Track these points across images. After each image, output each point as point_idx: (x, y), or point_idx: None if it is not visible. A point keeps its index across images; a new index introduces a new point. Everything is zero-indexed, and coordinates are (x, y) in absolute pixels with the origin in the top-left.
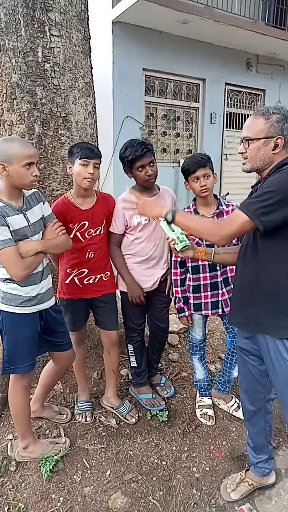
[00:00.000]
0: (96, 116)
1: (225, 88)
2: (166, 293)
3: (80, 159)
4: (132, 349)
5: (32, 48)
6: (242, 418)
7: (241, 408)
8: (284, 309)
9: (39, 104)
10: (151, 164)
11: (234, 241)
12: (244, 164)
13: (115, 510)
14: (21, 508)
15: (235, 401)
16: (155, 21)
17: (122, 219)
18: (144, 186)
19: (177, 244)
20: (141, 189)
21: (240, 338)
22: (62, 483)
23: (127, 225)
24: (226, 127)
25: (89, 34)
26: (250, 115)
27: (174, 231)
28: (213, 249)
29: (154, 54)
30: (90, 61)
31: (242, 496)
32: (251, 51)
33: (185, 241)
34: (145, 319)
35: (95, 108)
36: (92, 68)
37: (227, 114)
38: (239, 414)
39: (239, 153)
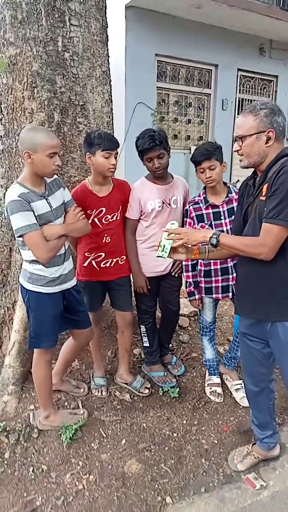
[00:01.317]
0: (112, 104)
1: (237, 74)
2: (175, 273)
3: (102, 150)
4: (145, 330)
5: (53, 37)
6: (238, 401)
7: (240, 391)
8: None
9: (58, 92)
10: (160, 156)
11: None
12: (241, 161)
13: (130, 474)
14: (44, 470)
15: (240, 381)
16: (169, 6)
17: (138, 205)
18: (155, 175)
19: (159, 251)
20: (154, 178)
21: (244, 324)
22: (81, 449)
23: (142, 211)
24: (238, 114)
25: (107, 23)
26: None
27: (167, 238)
28: (206, 247)
29: (166, 39)
30: (107, 50)
31: (248, 467)
32: (265, 36)
33: (165, 253)
34: (157, 302)
35: (111, 96)
36: (109, 56)
37: (239, 101)
38: (238, 396)
39: (235, 151)
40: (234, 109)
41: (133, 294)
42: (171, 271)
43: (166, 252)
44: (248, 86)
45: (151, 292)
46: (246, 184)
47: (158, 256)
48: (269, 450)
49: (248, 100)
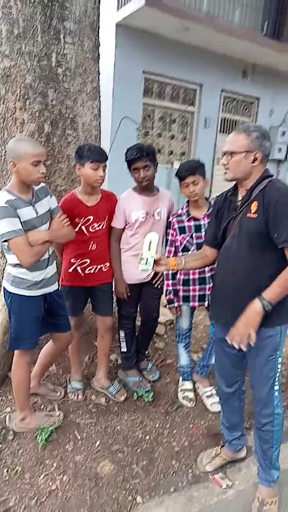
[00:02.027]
0: (100, 119)
1: (221, 94)
2: (156, 285)
3: (91, 162)
4: (124, 335)
5: (47, 53)
6: (208, 407)
7: (210, 398)
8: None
9: (49, 105)
10: (146, 168)
11: (192, 248)
12: (225, 173)
13: (103, 475)
14: (18, 471)
15: (211, 388)
16: (158, 27)
17: (123, 215)
18: (141, 186)
19: (142, 264)
20: (140, 189)
21: (221, 331)
22: (56, 451)
23: (126, 221)
24: (220, 132)
25: (99, 42)
26: (244, 121)
27: (150, 250)
28: (182, 258)
29: (154, 57)
30: (98, 67)
31: (216, 468)
32: (248, 60)
33: (149, 265)
34: (137, 308)
35: (100, 111)
36: (99, 73)
37: (221, 120)
38: (208, 402)
39: (223, 164)
40: (217, 127)
41: (114, 300)
42: (153, 282)
43: (149, 265)
44: (230, 106)
45: (132, 298)
46: (225, 199)
47: (142, 270)
48: (236, 451)
49: (230, 120)
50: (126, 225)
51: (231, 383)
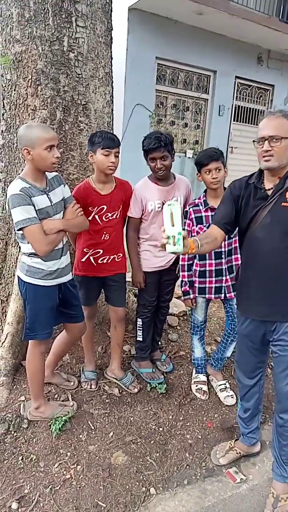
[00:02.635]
0: (113, 105)
1: (235, 81)
2: (177, 272)
3: (102, 149)
4: (141, 324)
5: (59, 37)
6: (222, 401)
7: (224, 391)
8: None
9: (61, 91)
10: (163, 158)
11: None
12: (267, 161)
13: (117, 466)
14: (33, 459)
15: (224, 382)
16: (171, 10)
17: (140, 204)
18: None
19: (169, 244)
20: (156, 178)
21: (247, 326)
22: (70, 440)
23: (143, 211)
24: (234, 120)
25: (112, 25)
26: (261, 110)
27: (174, 226)
28: (198, 241)
29: (167, 43)
30: (111, 51)
31: (230, 462)
32: (263, 46)
33: (179, 245)
34: (156, 297)
35: (112, 97)
36: (112, 58)
37: (235, 107)
38: (222, 395)
39: (264, 150)
40: (230, 115)
41: (127, 290)
42: (175, 270)
43: (179, 244)
44: (245, 94)
45: (151, 286)
46: (247, 185)
47: (171, 252)
48: (250, 445)
49: (245, 107)
50: (143, 214)
51: (253, 376)
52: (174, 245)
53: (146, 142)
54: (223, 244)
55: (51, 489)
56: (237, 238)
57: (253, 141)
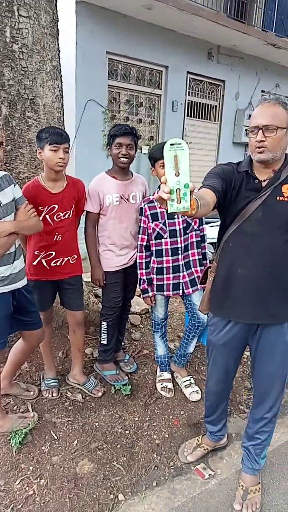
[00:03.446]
0: (63, 100)
1: (187, 77)
2: None
3: (49, 144)
4: (106, 327)
5: (0, 27)
6: (188, 397)
7: (189, 387)
8: None
9: (6, 85)
10: (129, 147)
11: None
12: (261, 153)
13: (83, 475)
14: None
15: (189, 378)
16: (120, 4)
17: (97, 199)
18: (118, 166)
19: (172, 200)
20: (116, 171)
21: (228, 332)
22: (31, 453)
23: (101, 205)
24: (187, 116)
25: (58, 16)
26: (213, 105)
27: (178, 175)
28: (198, 201)
29: (118, 37)
30: (58, 44)
31: (198, 458)
32: (213, 42)
33: (186, 202)
34: (123, 298)
35: (62, 91)
36: (59, 51)
37: (188, 103)
38: (187, 391)
39: (258, 141)
40: (184, 111)
41: (85, 292)
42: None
43: (187, 201)
44: (197, 89)
45: (116, 286)
46: (239, 172)
47: (173, 212)
48: (217, 441)
49: (197, 103)
50: (101, 209)
51: (226, 383)
52: (179, 202)
53: (116, 127)
54: (179, 240)
55: (13, 509)
56: (194, 233)
57: (245, 130)
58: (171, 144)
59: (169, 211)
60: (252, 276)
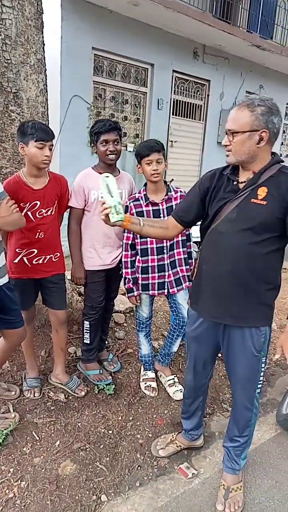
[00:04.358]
0: (47, 94)
1: (172, 75)
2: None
3: (35, 141)
4: (88, 326)
5: None
6: (172, 396)
7: (173, 386)
8: (264, 300)
9: None
10: (116, 142)
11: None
12: (227, 156)
13: (65, 476)
14: None
15: (173, 377)
16: (106, 0)
17: (82, 194)
18: (105, 162)
19: (112, 214)
20: (103, 168)
21: (198, 328)
22: (12, 455)
23: (86, 201)
24: (173, 114)
25: (42, 8)
26: (198, 104)
27: (112, 196)
28: (141, 219)
29: (104, 33)
30: (43, 37)
31: (169, 454)
32: (199, 41)
33: (121, 214)
34: (105, 297)
35: (46, 86)
36: (44, 44)
37: (173, 101)
38: (171, 390)
39: (224, 145)
40: (169, 109)
41: (67, 291)
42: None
43: (121, 213)
44: (182, 88)
45: (98, 285)
46: (220, 176)
47: (115, 222)
48: (191, 440)
49: (183, 102)
50: (85, 205)
51: (200, 379)
52: (118, 214)
53: (98, 124)
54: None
55: None
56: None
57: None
58: (104, 178)
59: (111, 221)
60: (214, 274)
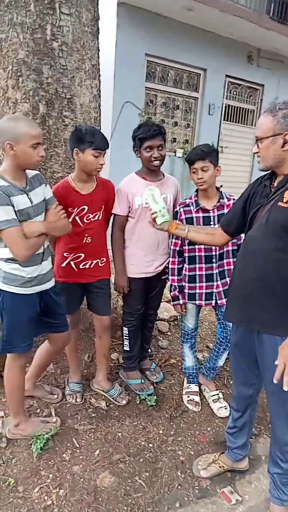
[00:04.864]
0: (100, 100)
1: (225, 80)
2: (165, 277)
3: (93, 149)
4: (127, 333)
5: (41, 24)
6: (216, 412)
7: (217, 402)
8: None
9: (44, 83)
10: (160, 148)
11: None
12: (258, 163)
13: (103, 488)
14: (11, 483)
15: (217, 392)
16: (161, 6)
17: (126, 200)
18: (149, 168)
19: (158, 217)
20: (147, 173)
21: (235, 334)
22: (52, 460)
23: (130, 207)
24: (224, 120)
25: (98, 15)
26: (250, 109)
27: (158, 203)
28: (186, 226)
29: (157, 39)
30: (98, 43)
31: (211, 475)
32: (253, 44)
33: (167, 215)
34: (144, 305)
35: (100, 91)
36: (99, 50)
37: (225, 106)
38: (215, 406)
39: (254, 153)
40: (221, 114)
41: (112, 297)
42: (163, 277)
43: (166, 215)
44: (235, 93)
45: (139, 293)
46: (260, 183)
47: (162, 223)
48: (235, 461)
49: (235, 107)
50: (130, 211)
51: (246, 390)
52: (163, 216)
53: (142, 129)
54: (214, 247)
55: None
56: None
57: None
58: (149, 189)
59: (158, 223)
60: (240, 280)
